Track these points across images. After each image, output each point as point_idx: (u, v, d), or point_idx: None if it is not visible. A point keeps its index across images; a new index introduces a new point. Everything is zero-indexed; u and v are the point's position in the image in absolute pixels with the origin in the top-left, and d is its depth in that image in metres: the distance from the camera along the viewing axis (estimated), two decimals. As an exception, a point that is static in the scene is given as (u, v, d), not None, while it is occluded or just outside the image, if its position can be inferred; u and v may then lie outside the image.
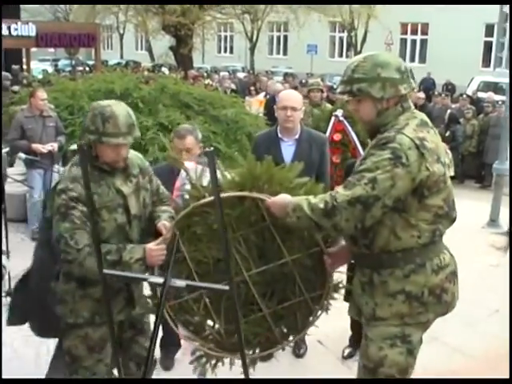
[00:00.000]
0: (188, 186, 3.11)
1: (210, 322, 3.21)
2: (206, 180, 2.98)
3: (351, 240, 3.04)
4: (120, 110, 3.23)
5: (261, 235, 3.00)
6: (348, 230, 2.81)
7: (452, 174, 3.15)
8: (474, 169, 13.45)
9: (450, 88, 24.33)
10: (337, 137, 8.42)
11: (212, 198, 2.69)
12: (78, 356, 3.42)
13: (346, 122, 8.47)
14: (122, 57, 40.58)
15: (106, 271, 2.27)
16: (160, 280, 2.27)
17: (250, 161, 2.99)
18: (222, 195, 2.70)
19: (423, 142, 2.79)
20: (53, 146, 7.67)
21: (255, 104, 13.58)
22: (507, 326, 5.54)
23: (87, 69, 22.67)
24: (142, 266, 3.08)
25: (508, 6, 16.33)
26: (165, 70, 21.54)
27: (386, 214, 2.79)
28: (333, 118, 8.49)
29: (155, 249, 3.08)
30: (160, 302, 2.23)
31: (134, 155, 3.50)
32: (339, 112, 8.53)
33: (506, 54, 12.88)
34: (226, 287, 2.25)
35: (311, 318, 3.20)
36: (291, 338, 3.27)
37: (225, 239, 2.35)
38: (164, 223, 3.29)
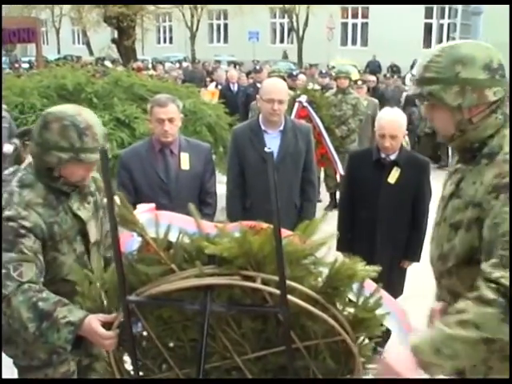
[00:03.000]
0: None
1: None
2: (173, 237, 2.00)
3: None
4: (93, 117, 2.67)
5: (260, 318, 2.09)
6: None
7: None
8: (430, 149, 13.46)
9: (395, 70, 24.50)
10: (301, 123, 8.24)
11: (193, 281, 1.89)
12: None
13: (309, 108, 8.31)
14: (59, 52, 39.39)
15: (129, 298, 1.92)
16: (197, 307, 1.91)
17: (242, 233, 1.89)
18: (205, 281, 1.90)
19: None
20: (7, 148, 7.21)
21: (207, 95, 13.23)
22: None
23: (24, 65, 21.86)
24: (70, 334, 2.28)
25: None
26: (107, 63, 20.87)
27: None
28: (296, 104, 8.30)
29: (102, 335, 2.16)
30: (203, 330, 1.89)
31: None
32: (303, 98, 8.37)
33: (458, 34, 12.86)
34: (277, 309, 1.90)
35: None
36: None
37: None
38: None
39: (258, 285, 1.86)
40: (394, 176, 4.23)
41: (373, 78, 14.35)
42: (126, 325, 1.98)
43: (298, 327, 1.99)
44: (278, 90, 4.41)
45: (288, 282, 1.82)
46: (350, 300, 1.96)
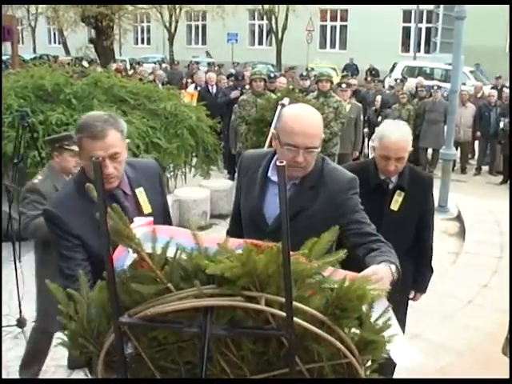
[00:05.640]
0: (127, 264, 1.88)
1: None
2: (171, 252, 1.83)
3: None
4: None
5: (262, 340, 1.91)
6: None
7: None
8: (410, 154, 13.44)
9: (373, 73, 24.54)
10: (284, 127, 8.09)
11: (192, 302, 1.73)
12: None
13: (292, 112, 8.17)
14: (34, 51, 38.91)
15: (122, 320, 1.78)
16: (196, 329, 1.75)
17: (247, 252, 1.70)
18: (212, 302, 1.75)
19: None
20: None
21: (186, 97, 13.09)
22: (485, 319, 5.37)
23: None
24: None
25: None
26: (85, 63, 20.59)
27: None
28: (279, 107, 8.11)
29: None
30: (202, 354, 1.76)
31: None
32: (285, 100, 8.20)
33: (439, 39, 12.84)
34: (283, 332, 1.76)
35: None
36: None
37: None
38: None
39: (262, 306, 1.73)
40: (396, 202, 3.63)
41: (355, 81, 14.32)
42: (117, 348, 1.84)
43: (302, 349, 1.86)
44: (310, 131, 2.65)
45: (294, 304, 1.69)
46: (357, 319, 1.84)
